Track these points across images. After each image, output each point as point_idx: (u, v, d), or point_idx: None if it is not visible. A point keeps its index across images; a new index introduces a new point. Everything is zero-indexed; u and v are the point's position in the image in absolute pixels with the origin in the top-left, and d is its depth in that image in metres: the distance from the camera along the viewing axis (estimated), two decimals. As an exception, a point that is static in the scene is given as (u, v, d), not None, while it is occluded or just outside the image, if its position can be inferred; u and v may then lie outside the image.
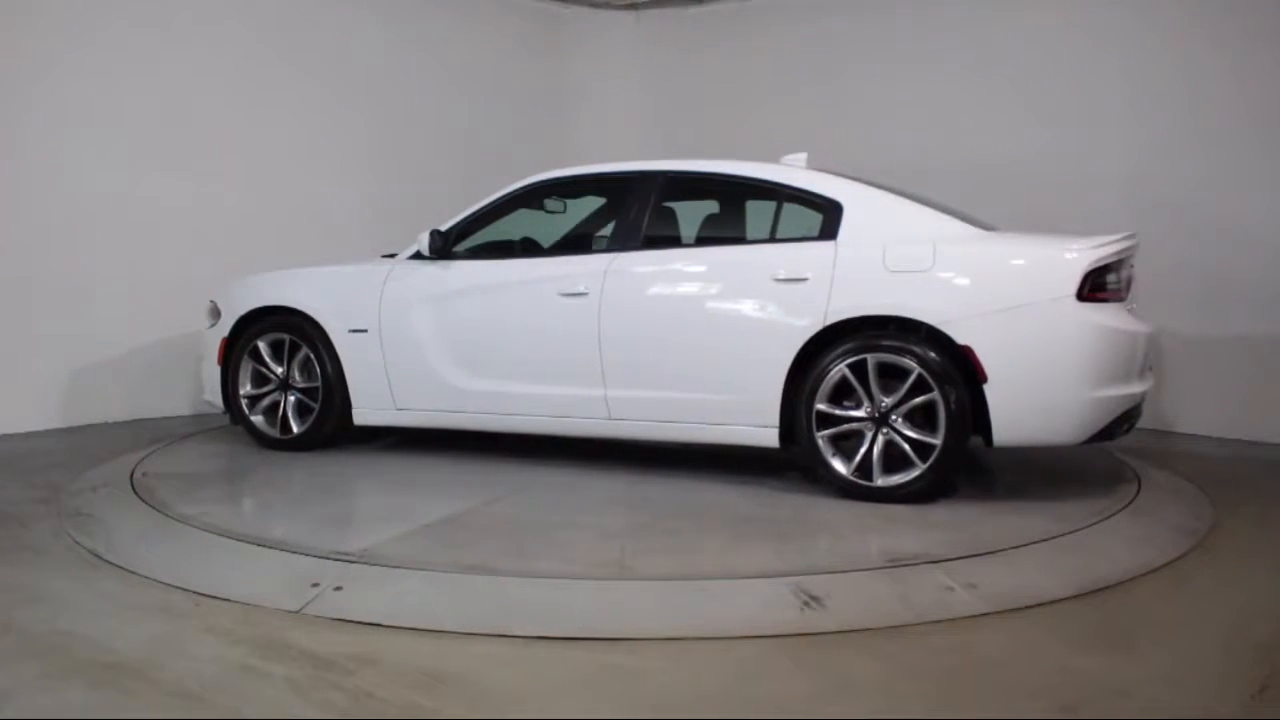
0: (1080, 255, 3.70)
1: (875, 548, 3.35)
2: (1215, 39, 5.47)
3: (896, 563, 3.12)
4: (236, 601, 2.89)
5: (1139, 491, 4.08)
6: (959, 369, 3.74)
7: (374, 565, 3.10)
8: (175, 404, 6.15)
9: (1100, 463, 4.61)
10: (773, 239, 4.35)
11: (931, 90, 6.43)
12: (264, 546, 3.30)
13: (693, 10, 7.53)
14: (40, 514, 3.86)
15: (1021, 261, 3.83)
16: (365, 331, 4.73)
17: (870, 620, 2.76)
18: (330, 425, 4.87)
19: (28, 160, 5.54)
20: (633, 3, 7.69)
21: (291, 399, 4.95)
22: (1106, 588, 3.01)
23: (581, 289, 4.30)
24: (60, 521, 3.74)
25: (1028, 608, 2.85)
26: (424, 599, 2.91)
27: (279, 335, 4.92)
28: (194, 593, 2.96)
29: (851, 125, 6.66)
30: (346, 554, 3.20)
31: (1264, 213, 5.36)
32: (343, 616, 2.78)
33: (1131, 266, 4.04)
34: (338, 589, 2.94)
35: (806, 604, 2.81)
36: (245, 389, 5.02)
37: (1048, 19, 6.04)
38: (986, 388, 3.71)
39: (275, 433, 4.96)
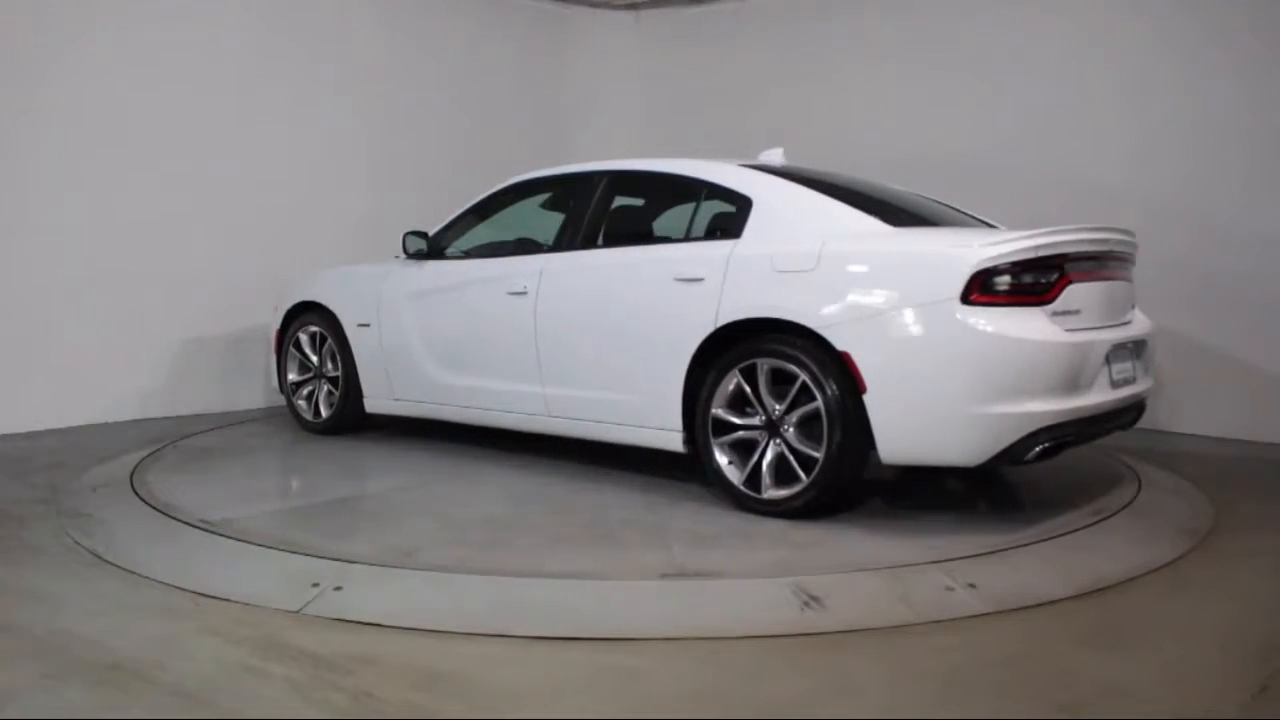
0: (967, 253, 3.31)
1: (683, 562, 3.18)
2: (1216, 36, 5.46)
3: (898, 564, 3.11)
4: (236, 601, 2.89)
5: (1139, 491, 4.07)
6: (845, 377, 3.46)
7: (374, 565, 3.10)
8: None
9: (1100, 463, 4.61)
10: (688, 237, 4.19)
11: (931, 89, 6.43)
12: (264, 546, 3.30)
13: (693, 10, 7.54)
14: (40, 514, 3.86)
15: (905, 260, 3.48)
16: (369, 326, 5.11)
17: (870, 620, 2.76)
18: (350, 411, 5.28)
19: (26, 161, 5.54)
20: (633, 3, 7.69)
21: (325, 387, 5.41)
22: (1106, 588, 3.01)
23: (522, 288, 4.41)
24: (60, 521, 3.74)
25: (1028, 607, 2.85)
26: (424, 599, 2.92)
27: (313, 329, 5.42)
28: (194, 593, 2.96)
29: (851, 124, 6.66)
30: (209, 522, 3.55)
31: (1264, 212, 5.35)
32: (343, 616, 2.78)
33: (1120, 264, 3.83)
34: (338, 589, 2.94)
35: (806, 604, 2.80)
36: (291, 377, 5.57)
37: (1048, 19, 6.03)
38: (866, 398, 3.41)
39: (309, 417, 5.46)
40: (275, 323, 5.63)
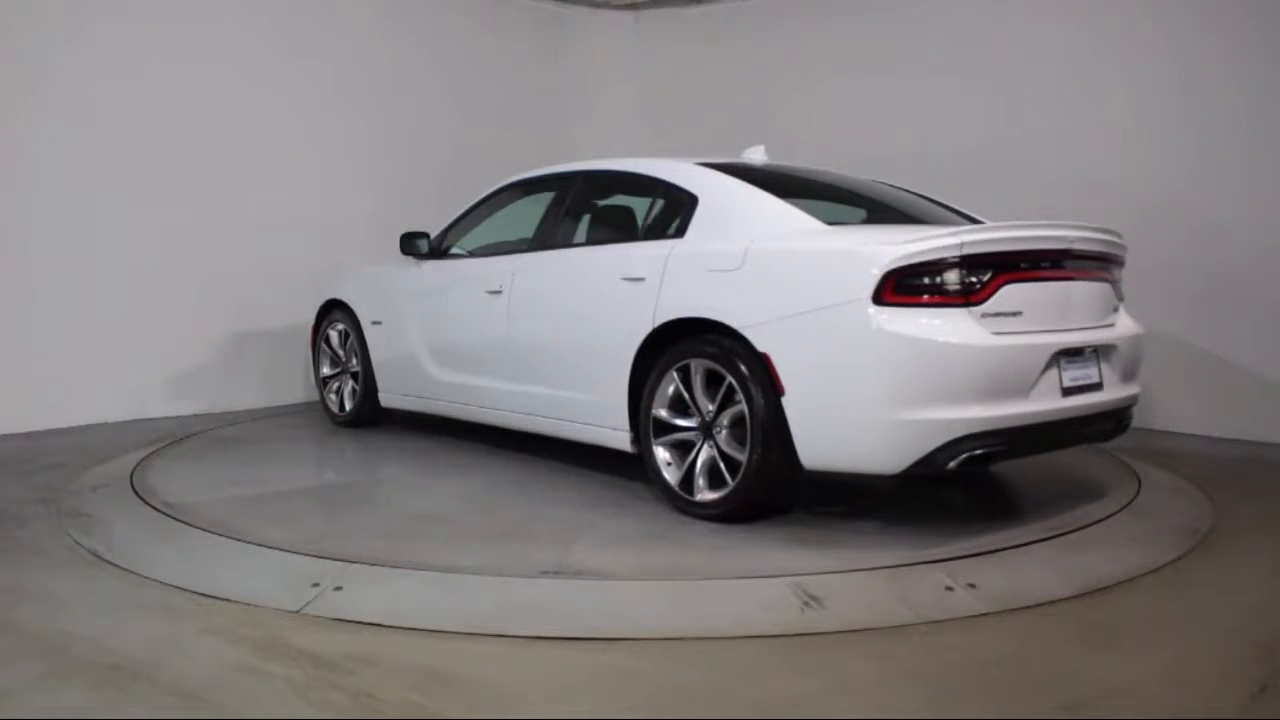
0: (880, 252, 3.16)
1: (575, 561, 3.16)
2: (1216, 36, 5.46)
3: (898, 564, 3.11)
4: (236, 601, 2.89)
5: (1139, 491, 4.07)
6: (768, 379, 3.36)
7: (374, 565, 3.10)
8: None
9: (1099, 463, 4.61)
10: (640, 236, 4.17)
11: (929, 89, 6.44)
12: (264, 547, 3.30)
13: (693, 10, 7.54)
14: (40, 514, 3.86)
15: (822, 260, 3.36)
16: (381, 324, 5.29)
17: (870, 620, 2.76)
18: (369, 406, 5.44)
19: (30, 161, 5.54)
20: (633, 3, 7.69)
21: (349, 383, 5.59)
22: (1107, 587, 3.01)
23: (498, 287, 4.49)
24: (60, 521, 3.74)
25: (1028, 607, 2.85)
26: (424, 599, 2.92)
27: (339, 326, 5.62)
28: (194, 593, 2.96)
29: (850, 123, 6.67)
30: (170, 505, 3.74)
31: (1264, 212, 5.35)
32: (343, 616, 2.78)
33: (1091, 264, 3.60)
34: (338, 589, 2.94)
35: (806, 604, 2.80)
36: (324, 371, 5.77)
37: (1048, 19, 6.03)
38: (784, 401, 3.31)
39: (335, 411, 5.67)
40: (311, 320, 5.87)
